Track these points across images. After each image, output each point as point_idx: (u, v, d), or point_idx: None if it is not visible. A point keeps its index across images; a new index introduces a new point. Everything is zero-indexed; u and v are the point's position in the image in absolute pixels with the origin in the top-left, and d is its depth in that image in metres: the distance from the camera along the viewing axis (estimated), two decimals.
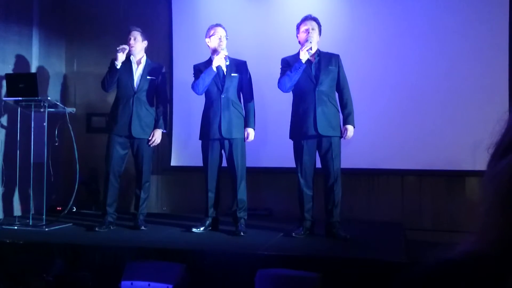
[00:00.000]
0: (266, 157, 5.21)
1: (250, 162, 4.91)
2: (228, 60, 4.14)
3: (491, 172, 0.66)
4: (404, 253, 3.50)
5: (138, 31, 4.50)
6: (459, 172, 4.84)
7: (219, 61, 4.10)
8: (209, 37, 4.22)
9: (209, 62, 4.16)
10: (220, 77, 4.20)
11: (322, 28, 4.05)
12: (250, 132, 4.24)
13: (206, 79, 4.13)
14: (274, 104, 5.08)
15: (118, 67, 4.36)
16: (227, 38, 4.21)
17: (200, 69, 4.20)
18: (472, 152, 4.67)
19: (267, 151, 5.21)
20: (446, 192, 4.94)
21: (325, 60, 4.00)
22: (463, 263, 0.63)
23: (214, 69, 4.11)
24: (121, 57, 4.34)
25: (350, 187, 4.70)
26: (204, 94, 4.25)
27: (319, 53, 4.03)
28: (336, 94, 4.07)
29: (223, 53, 4.10)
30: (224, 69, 4.22)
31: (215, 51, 4.15)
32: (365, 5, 5.17)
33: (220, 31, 4.20)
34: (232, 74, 4.23)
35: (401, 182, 5.06)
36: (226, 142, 4.20)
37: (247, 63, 4.35)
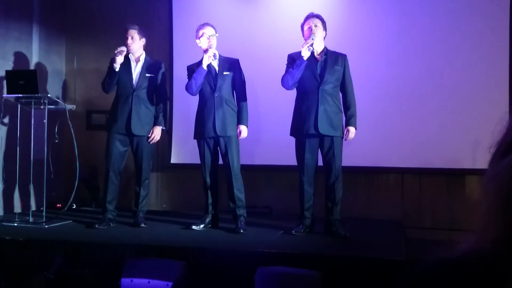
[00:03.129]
0: (266, 155, 5.22)
1: (249, 160, 4.93)
2: (216, 58, 4.15)
3: (492, 172, 0.66)
4: (404, 252, 3.50)
5: (135, 29, 4.48)
6: (459, 171, 4.84)
7: (208, 59, 4.11)
8: (199, 38, 4.22)
9: (201, 62, 4.17)
10: (212, 76, 4.21)
11: (326, 26, 4.03)
12: (243, 129, 4.24)
13: (198, 78, 4.14)
14: (269, 102, 5.10)
15: (117, 69, 4.36)
16: (216, 36, 4.21)
17: (193, 69, 4.21)
18: (472, 150, 4.67)
19: (266, 149, 5.22)
20: (446, 190, 4.94)
21: (331, 60, 3.99)
22: (464, 262, 0.63)
23: (205, 67, 4.12)
24: (119, 60, 4.33)
25: (350, 185, 4.70)
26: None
27: (326, 51, 4.01)
28: (340, 94, 4.06)
29: (212, 51, 4.11)
30: (216, 67, 4.22)
31: (206, 51, 4.15)
32: (366, 5, 5.16)
33: (208, 31, 4.20)
34: (225, 73, 4.23)
35: (401, 180, 5.06)
36: (221, 140, 4.21)
37: (243, 60, 4.35)
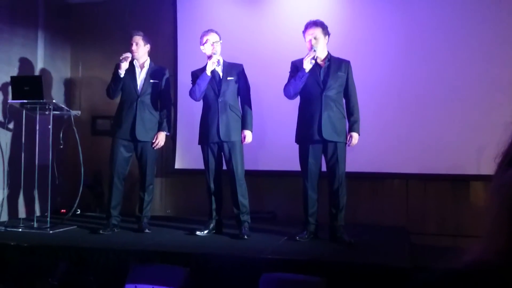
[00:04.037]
0: (270, 160, 5.21)
1: (253, 166, 4.92)
2: (219, 64, 4.16)
3: (498, 182, 0.66)
4: (408, 258, 3.49)
5: (139, 35, 4.51)
6: (464, 176, 4.82)
7: (212, 65, 4.13)
8: (203, 44, 4.24)
9: (205, 68, 4.18)
10: (216, 81, 4.22)
11: (328, 30, 4.03)
12: (247, 134, 4.25)
13: (202, 84, 4.15)
14: (273, 107, 5.11)
15: (122, 76, 4.39)
16: (220, 42, 4.23)
17: (197, 75, 4.22)
18: (476, 156, 4.65)
19: (270, 154, 5.21)
20: (451, 196, 4.92)
21: (334, 66, 3.99)
22: (469, 273, 0.63)
23: (208, 73, 4.13)
24: (124, 66, 4.36)
25: (355, 191, 4.68)
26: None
27: (329, 58, 4.02)
28: (344, 100, 4.06)
29: (216, 57, 4.13)
30: (220, 73, 4.24)
31: (210, 57, 4.17)
32: (370, 11, 5.17)
33: (212, 37, 4.22)
34: (228, 78, 4.24)
35: (405, 186, 5.05)
36: (225, 145, 4.21)
37: (247, 66, 4.36)
